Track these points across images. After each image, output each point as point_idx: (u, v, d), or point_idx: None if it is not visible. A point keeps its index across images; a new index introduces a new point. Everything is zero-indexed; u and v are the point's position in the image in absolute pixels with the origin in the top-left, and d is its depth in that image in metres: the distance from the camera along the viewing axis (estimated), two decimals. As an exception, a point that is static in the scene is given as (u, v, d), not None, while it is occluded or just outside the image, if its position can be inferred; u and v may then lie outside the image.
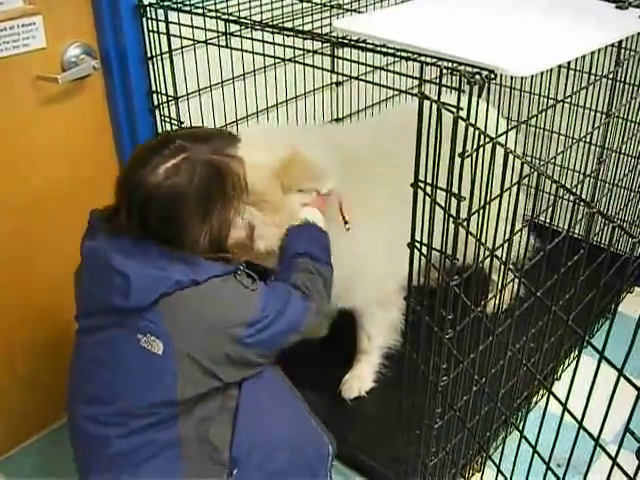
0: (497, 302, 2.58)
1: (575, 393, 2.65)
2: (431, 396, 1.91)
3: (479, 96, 1.49)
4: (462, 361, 1.90)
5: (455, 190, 1.57)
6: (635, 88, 2.48)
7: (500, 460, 1.92)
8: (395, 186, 2.15)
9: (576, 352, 2.79)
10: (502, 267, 1.80)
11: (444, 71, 1.54)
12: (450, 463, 2.15)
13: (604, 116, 2.21)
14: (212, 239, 1.72)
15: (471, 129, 1.51)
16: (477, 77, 1.48)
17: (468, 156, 1.54)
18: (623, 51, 2.13)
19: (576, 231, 2.48)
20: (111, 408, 1.74)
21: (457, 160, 1.53)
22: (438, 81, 1.53)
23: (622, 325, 2.96)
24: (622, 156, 2.63)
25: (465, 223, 1.64)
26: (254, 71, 2.53)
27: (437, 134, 1.56)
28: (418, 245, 1.76)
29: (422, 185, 1.65)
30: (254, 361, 1.76)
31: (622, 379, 2.63)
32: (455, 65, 1.55)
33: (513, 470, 1.91)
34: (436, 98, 1.53)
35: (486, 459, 2.06)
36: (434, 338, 1.82)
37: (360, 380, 2.50)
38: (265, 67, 2.55)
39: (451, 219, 1.63)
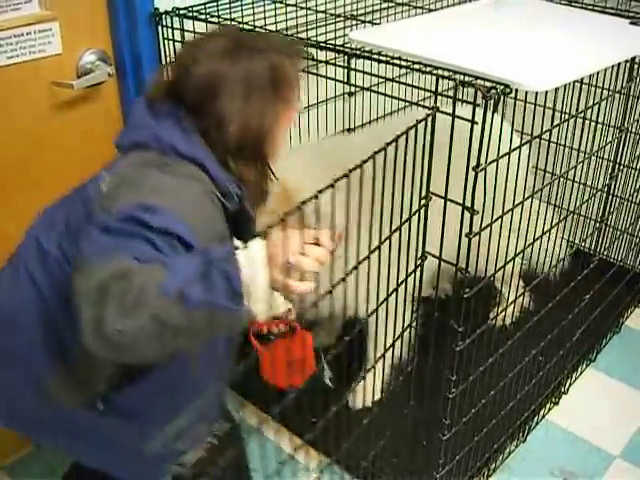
0: (507, 314, 2.60)
1: (581, 407, 2.68)
2: (440, 408, 1.92)
3: (494, 111, 1.49)
4: (471, 373, 1.90)
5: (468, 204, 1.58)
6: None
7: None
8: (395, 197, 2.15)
9: (584, 366, 2.79)
10: (513, 280, 1.80)
11: (445, 82, 1.55)
12: (459, 474, 2.15)
13: (617, 131, 2.21)
14: (243, 138, 1.50)
15: (485, 142, 1.52)
16: (492, 91, 1.49)
17: (482, 170, 1.54)
18: (636, 67, 2.14)
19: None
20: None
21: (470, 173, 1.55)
22: (453, 94, 1.53)
23: (629, 340, 2.98)
24: (634, 171, 2.63)
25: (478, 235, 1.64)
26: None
27: (451, 147, 1.57)
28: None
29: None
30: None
31: (628, 393, 2.65)
32: (470, 79, 1.55)
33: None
34: (449, 111, 1.53)
35: (494, 471, 2.06)
36: (444, 350, 1.82)
37: (367, 390, 2.49)
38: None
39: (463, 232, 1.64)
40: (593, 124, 2.14)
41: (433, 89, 1.62)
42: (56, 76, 2.12)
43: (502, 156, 1.63)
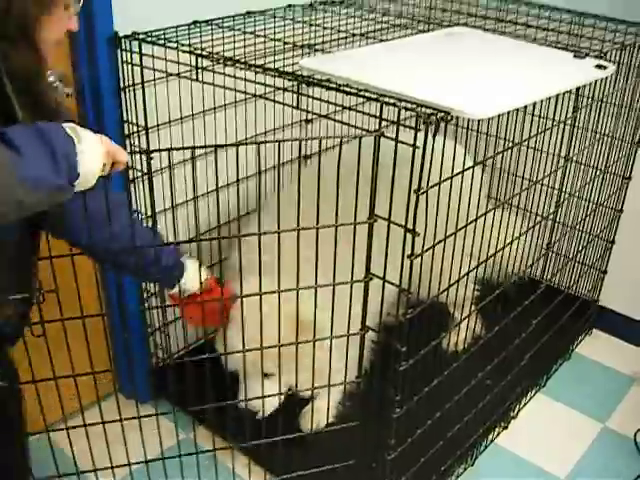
0: (459, 340, 2.64)
1: (530, 431, 2.72)
2: (385, 427, 1.95)
3: (434, 136, 1.55)
4: (417, 394, 1.94)
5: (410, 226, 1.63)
6: (592, 134, 2.58)
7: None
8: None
9: (533, 391, 2.84)
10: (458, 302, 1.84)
11: (402, 111, 1.61)
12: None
13: (562, 160, 2.28)
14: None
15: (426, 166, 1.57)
16: (432, 118, 1.54)
17: (423, 193, 1.59)
18: (581, 98, 2.21)
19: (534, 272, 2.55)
20: None
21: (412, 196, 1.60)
22: (396, 120, 1.58)
23: (579, 366, 3.04)
24: (579, 200, 2.71)
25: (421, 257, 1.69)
26: (224, 105, 2.58)
27: (394, 171, 1.62)
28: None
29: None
30: None
31: (576, 419, 2.70)
32: (414, 106, 1.61)
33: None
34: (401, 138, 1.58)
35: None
36: (389, 370, 1.85)
37: (319, 413, 2.51)
38: (236, 102, 2.60)
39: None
40: (539, 153, 2.21)
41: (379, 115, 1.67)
42: (13, 96, 2.14)
43: (444, 180, 1.68)
